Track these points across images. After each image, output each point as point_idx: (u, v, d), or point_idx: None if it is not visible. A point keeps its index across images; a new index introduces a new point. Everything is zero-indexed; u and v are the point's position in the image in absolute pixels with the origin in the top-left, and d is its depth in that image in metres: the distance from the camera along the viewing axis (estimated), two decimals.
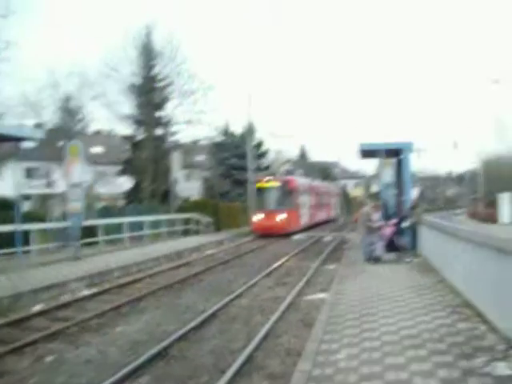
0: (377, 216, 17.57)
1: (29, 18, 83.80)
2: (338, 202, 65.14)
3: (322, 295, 12.89)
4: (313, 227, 42.12)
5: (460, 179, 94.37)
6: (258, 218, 35.37)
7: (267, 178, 37.32)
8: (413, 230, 18.06)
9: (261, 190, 36.50)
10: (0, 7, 30.31)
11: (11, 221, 17.78)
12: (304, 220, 39.79)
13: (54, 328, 10.51)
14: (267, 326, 10.05)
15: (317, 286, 14.74)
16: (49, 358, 8.74)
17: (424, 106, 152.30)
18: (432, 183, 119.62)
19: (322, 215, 50.04)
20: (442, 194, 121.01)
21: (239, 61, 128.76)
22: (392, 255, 16.84)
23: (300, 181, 42.32)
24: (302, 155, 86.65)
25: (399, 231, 17.05)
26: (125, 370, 7.65)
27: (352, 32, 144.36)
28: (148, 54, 41.23)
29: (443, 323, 8.50)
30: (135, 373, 7.73)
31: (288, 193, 35.87)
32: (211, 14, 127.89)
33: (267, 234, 33.15)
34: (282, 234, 33.46)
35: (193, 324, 10.38)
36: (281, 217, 34.59)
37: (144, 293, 14.16)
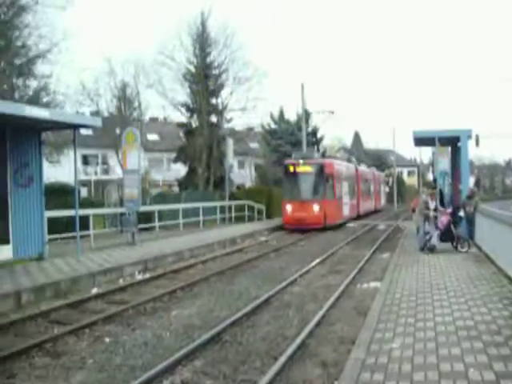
0: (434, 204, 17.27)
1: (86, 7, 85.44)
2: (384, 190, 61.36)
3: (375, 284, 12.79)
4: (357, 219, 37.66)
5: None
6: (289, 209, 30.23)
7: (300, 160, 31.20)
8: (469, 219, 17.69)
9: (293, 175, 31.02)
10: None
11: (70, 206, 18.23)
12: (346, 211, 34.96)
13: (111, 311, 10.77)
14: (320, 314, 10.05)
15: (370, 275, 14.63)
16: (106, 340, 8.97)
17: (483, 92, 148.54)
18: (490, 172, 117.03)
19: (367, 205, 45.50)
20: (501, 182, 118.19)
21: (294, 47, 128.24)
22: (448, 245, 16.54)
23: (340, 165, 36.37)
24: (357, 142, 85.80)
25: (455, 220, 16.69)
26: (179, 353, 7.80)
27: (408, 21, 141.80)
28: (203, 42, 41.41)
29: (500, 315, 8.32)
30: (189, 356, 7.86)
31: (326, 179, 30.85)
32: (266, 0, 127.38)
33: (301, 228, 28.58)
34: (319, 228, 29.00)
35: (246, 310, 10.47)
36: (317, 208, 29.70)
37: (197, 278, 14.33)
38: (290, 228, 29.31)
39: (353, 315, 10.20)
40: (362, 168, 47.04)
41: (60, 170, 32.56)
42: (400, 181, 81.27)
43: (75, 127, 15.93)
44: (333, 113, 44.63)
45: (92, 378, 7.21)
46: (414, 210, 22.72)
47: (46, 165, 19.39)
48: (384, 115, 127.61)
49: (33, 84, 29.96)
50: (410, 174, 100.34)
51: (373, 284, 13.00)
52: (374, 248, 20.37)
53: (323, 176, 30.65)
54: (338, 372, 6.76)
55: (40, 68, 29.50)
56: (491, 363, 6.16)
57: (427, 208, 16.95)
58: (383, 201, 58.46)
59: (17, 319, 10.15)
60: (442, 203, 18.52)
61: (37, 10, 27.92)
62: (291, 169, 30.91)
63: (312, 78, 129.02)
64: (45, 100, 28.98)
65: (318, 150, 48.70)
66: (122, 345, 8.65)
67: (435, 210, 17.18)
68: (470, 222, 17.74)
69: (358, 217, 39.16)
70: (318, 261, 17.32)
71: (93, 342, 8.92)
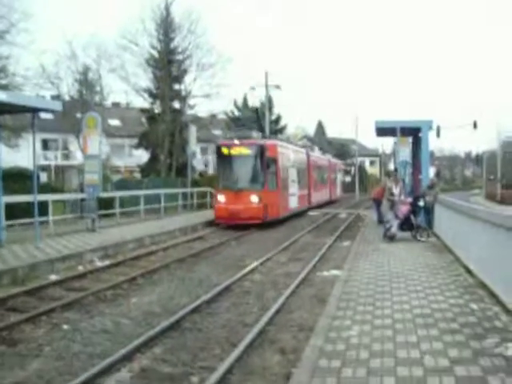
0: (397, 190, 17.49)
1: None
2: (342, 179, 57.99)
3: (335, 272, 12.90)
4: (307, 211, 34.15)
5: (479, 160, 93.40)
6: (222, 200, 25.00)
7: (236, 140, 25.78)
8: (429, 209, 17.95)
9: (227, 159, 25.72)
10: None
11: (29, 191, 17.90)
12: (293, 203, 30.37)
13: (70, 298, 10.64)
14: (280, 301, 10.10)
15: (330, 263, 14.75)
16: (64, 327, 8.86)
17: (445, 83, 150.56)
18: (450, 163, 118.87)
19: (320, 196, 41.12)
20: (460, 174, 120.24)
21: (257, 33, 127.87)
22: (407, 234, 16.77)
23: (286, 148, 30.73)
24: (320, 131, 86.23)
25: (415, 210, 16.93)
26: (138, 341, 7.76)
27: (373, 12, 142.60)
28: (167, 27, 41.01)
29: (456, 303, 8.49)
30: (148, 343, 7.83)
31: (267, 164, 25.38)
32: None
33: (236, 223, 23.96)
34: (259, 223, 24.24)
35: (206, 297, 10.46)
36: (255, 199, 24.46)
37: (158, 265, 14.26)
38: (223, 223, 24.64)
39: (313, 303, 10.26)
40: (315, 154, 42.57)
41: (19, 154, 31.95)
42: (362, 170, 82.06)
43: (34, 111, 15.64)
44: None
45: (49, 366, 7.11)
46: (374, 200, 23.06)
47: (4, 149, 18.99)
48: (347, 105, 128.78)
49: None
50: (372, 163, 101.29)
51: (333, 272, 13.10)
52: (336, 236, 20.55)
53: (264, 160, 25.18)
54: (297, 359, 6.81)
55: None
56: (446, 350, 6.28)
57: (391, 194, 17.18)
58: (339, 190, 54.65)
59: None
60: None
61: None
62: (225, 151, 25.56)
63: (276, 65, 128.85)
64: (3, 82, 28.41)
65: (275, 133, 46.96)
66: (81, 332, 8.57)
67: (400, 195, 17.41)
68: (430, 211, 18.00)
69: (309, 209, 35.20)
70: (280, 248, 17.39)
71: (50, 329, 8.81)
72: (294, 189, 30.66)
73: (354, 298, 9.10)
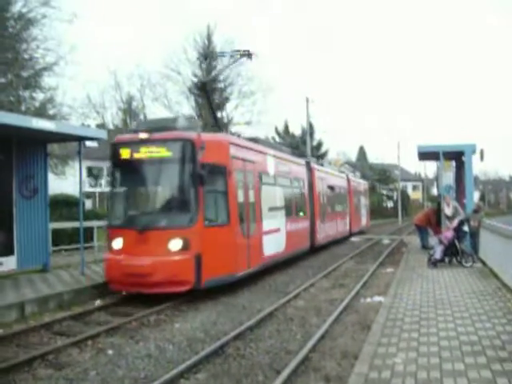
0: (451, 210, 17.42)
1: (92, 21, 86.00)
2: (366, 204, 43.56)
3: (379, 298, 12.75)
4: (308, 253, 23.29)
5: None
6: (116, 247, 13.68)
7: (142, 133, 13.91)
8: (474, 234, 17.65)
9: (126, 169, 14.38)
10: (65, 13, 31.38)
11: (74, 218, 18.25)
12: (275, 245, 18.01)
13: (114, 323, 10.76)
14: (324, 328, 10.02)
15: (374, 289, 14.59)
16: (109, 352, 8.96)
17: (487, 107, 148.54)
18: (494, 186, 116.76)
19: (333, 228, 29.20)
20: (505, 197, 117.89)
21: (298, 62, 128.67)
22: (452, 259, 16.51)
23: (251, 152, 16.89)
24: (361, 157, 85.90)
25: (460, 235, 16.67)
26: (182, 366, 7.79)
27: (412, 33, 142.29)
28: (208, 56, 41.67)
29: (504, 330, 8.31)
30: (192, 369, 7.86)
31: (207, 176, 13.49)
32: (272, 15, 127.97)
33: (142, 291, 13.06)
34: (186, 291, 12.96)
35: (249, 323, 10.44)
36: (178, 244, 13.01)
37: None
38: (122, 290, 13.68)
39: (356, 329, 10.14)
40: (323, 168, 29.47)
41: (65, 182, 32.64)
42: (404, 195, 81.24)
43: (81, 139, 15.98)
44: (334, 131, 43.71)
45: None
46: (417, 225, 22.79)
47: (50, 176, 19.41)
48: (389, 129, 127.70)
49: (39, 96, 30.15)
50: (414, 188, 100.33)
51: (377, 298, 12.94)
52: (379, 262, 20.32)
53: (196, 169, 13.30)
54: None
55: (46, 80, 29.71)
56: (495, 379, 6.15)
57: (447, 217, 17.11)
58: (366, 218, 42.53)
59: (20, 330, 10.16)
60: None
61: (44, 24, 28.18)
62: (124, 154, 14.00)
63: (317, 91, 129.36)
64: (51, 112, 29.11)
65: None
66: (125, 357, 8.64)
67: (453, 216, 17.30)
68: (475, 236, 17.70)
69: (312, 249, 24.02)
70: (322, 275, 17.25)
71: (96, 353, 8.92)
72: (274, 221, 18.20)
73: (399, 325, 8.98)
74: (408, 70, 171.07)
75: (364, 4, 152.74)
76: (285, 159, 21.26)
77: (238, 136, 18.64)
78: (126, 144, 14.19)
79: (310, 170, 25.25)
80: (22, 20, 27.79)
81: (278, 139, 51.89)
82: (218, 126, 20.02)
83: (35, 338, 9.89)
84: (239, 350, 8.89)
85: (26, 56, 28.41)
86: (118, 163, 14.37)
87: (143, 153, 13.72)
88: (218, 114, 42.49)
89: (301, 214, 22.74)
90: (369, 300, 12.94)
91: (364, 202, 42.43)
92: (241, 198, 15.36)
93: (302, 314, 11.62)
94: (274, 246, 17.88)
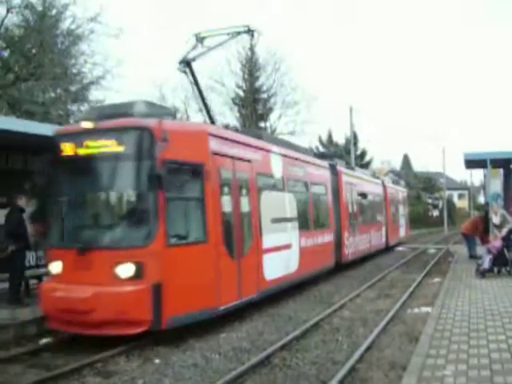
0: (498, 219, 17.11)
1: (137, 35, 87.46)
2: (406, 214, 39.65)
3: (426, 309, 12.57)
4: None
5: None
6: (55, 271, 10.45)
7: (86, 122, 10.40)
8: None
9: (67, 170, 10.91)
10: (112, 28, 32.26)
11: None
12: (276, 268, 14.01)
13: (161, 332, 10.83)
14: (370, 338, 9.93)
15: (421, 300, 14.39)
16: (156, 361, 9.04)
17: None
18: None
19: (364, 242, 25.23)
20: None
21: (342, 70, 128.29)
22: (501, 269, 16.18)
23: (245, 144, 13.32)
24: (406, 165, 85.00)
25: (509, 244, 16.31)
26: (229, 376, 7.82)
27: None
28: (252, 67, 41.98)
29: None
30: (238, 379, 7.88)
31: (181, 182, 10.46)
32: (315, 24, 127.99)
33: (84, 332, 9.88)
34: (141, 332, 9.70)
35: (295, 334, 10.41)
36: (128, 270, 9.63)
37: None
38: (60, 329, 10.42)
39: (403, 340, 10.00)
40: (352, 172, 25.86)
41: None
42: (450, 204, 79.99)
43: None
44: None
45: None
46: (464, 234, 22.42)
47: None
48: (434, 137, 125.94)
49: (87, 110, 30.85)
50: (460, 196, 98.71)
51: (424, 309, 12.76)
52: (425, 272, 20.04)
53: (154, 167, 9.88)
54: None
55: (94, 94, 30.51)
56: None
57: (495, 226, 16.78)
58: (404, 230, 37.78)
59: (68, 339, 10.33)
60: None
61: (92, 39, 28.97)
62: (66, 150, 10.53)
63: (361, 100, 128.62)
64: None
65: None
66: (172, 366, 8.70)
67: (501, 224, 16.98)
68: None
69: (339, 267, 20.60)
70: (368, 285, 17.08)
71: (143, 362, 9.01)
72: (281, 235, 14.77)
73: (447, 336, 8.84)
74: (454, 75, 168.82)
75: (406, 13, 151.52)
76: (299, 160, 17.16)
77: (227, 127, 15.19)
78: (65, 137, 10.66)
79: (335, 173, 21.31)
80: (70, 36, 28.64)
81: (321, 149, 51.79)
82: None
83: (83, 347, 10.05)
84: (285, 361, 8.86)
85: (74, 71, 29.26)
86: (56, 162, 10.84)
87: (87, 147, 10.25)
88: (262, 125, 42.76)
89: (322, 225, 18.99)
90: (416, 310, 12.77)
91: (403, 211, 37.92)
92: (227, 207, 11.70)
93: (348, 325, 11.54)
94: (280, 266, 14.40)
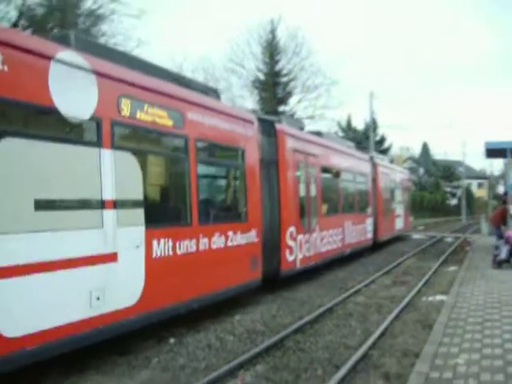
0: None
1: (158, 15, 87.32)
2: (407, 201, 33.48)
3: (441, 297, 12.54)
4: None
5: None
6: None
7: None
8: None
9: None
10: (133, 8, 32.19)
11: None
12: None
13: None
14: (384, 325, 9.94)
15: (436, 288, 14.36)
16: (171, 341, 9.15)
17: None
18: None
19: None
20: None
21: (363, 55, 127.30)
22: None
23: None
24: (425, 153, 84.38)
25: None
26: (242, 357, 7.90)
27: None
28: (272, 50, 41.81)
29: None
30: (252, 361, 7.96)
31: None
32: (337, 8, 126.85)
33: None
34: None
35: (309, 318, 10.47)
36: None
37: None
38: None
39: (417, 328, 10.00)
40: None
41: None
42: (469, 193, 79.39)
43: None
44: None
45: (156, 377, 7.38)
46: (492, 225, 22.21)
47: None
48: (454, 125, 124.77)
49: None
50: (479, 186, 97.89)
51: (439, 297, 12.74)
52: (441, 260, 19.97)
53: None
54: None
55: None
56: None
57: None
58: (401, 222, 30.32)
59: None
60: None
61: (113, 20, 28.89)
62: None
63: (382, 86, 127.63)
64: None
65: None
66: (186, 346, 8.81)
67: None
68: None
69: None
70: (383, 271, 17.07)
71: (158, 342, 9.11)
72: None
73: (462, 325, 8.83)
74: (477, 62, 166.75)
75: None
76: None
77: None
78: None
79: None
80: (91, 16, 28.58)
81: (340, 134, 51.54)
82: None
83: None
84: (299, 344, 8.92)
85: None
86: None
87: None
88: (281, 109, 42.64)
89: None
90: (431, 299, 12.75)
91: (401, 197, 31.74)
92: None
93: (362, 311, 11.56)
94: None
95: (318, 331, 9.82)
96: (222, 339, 9.24)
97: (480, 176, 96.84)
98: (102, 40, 29.08)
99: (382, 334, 9.43)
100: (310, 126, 48.38)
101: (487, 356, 7.10)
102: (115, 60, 8.53)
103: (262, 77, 42.09)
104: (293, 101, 43.21)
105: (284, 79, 42.47)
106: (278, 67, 42.16)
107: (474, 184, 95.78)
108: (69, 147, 7.37)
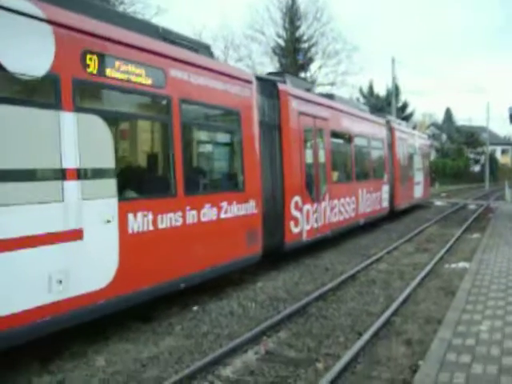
0: None
1: None
2: (428, 168, 32.55)
3: (464, 264, 12.49)
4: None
5: None
6: None
7: None
8: None
9: None
10: None
11: None
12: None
13: None
14: (407, 292, 9.94)
15: (459, 255, 14.29)
16: (194, 308, 9.24)
17: None
18: None
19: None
20: None
21: (385, 20, 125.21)
22: None
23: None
24: (448, 119, 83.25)
25: None
26: (265, 324, 7.97)
27: None
28: (292, 15, 41.31)
29: None
30: (274, 327, 8.03)
31: None
32: None
33: None
34: None
35: (331, 285, 10.50)
36: None
37: None
38: None
39: (440, 295, 9.98)
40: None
41: None
42: (493, 160, 78.40)
43: None
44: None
45: (179, 344, 7.45)
46: None
47: None
48: (478, 90, 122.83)
49: None
50: (503, 152, 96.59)
51: (461, 264, 12.69)
52: (464, 227, 19.84)
53: None
54: (424, 351, 6.68)
55: None
56: None
57: None
58: (420, 190, 28.60)
59: None
60: None
61: None
62: None
63: (404, 52, 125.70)
64: None
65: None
66: (209, 313, 8.89)
67: None
68: None
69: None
70: (405, 239, 17.01)
71: (181, 309, 9.20)
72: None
73: (484, 292, 8.81)
74: (500, 26, 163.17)
75: None
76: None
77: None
78: None
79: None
80: None
81: (362, 100, 51.11)
82: None
83: None
84: (321, 311, 8.96)
85: None
86: None
87: None
88: (302, 75, 42.26)
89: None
90: (453, 266, 12.70)
91: (420, 163, 29.77)
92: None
93: (384, 278, 11.56)
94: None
95: (340, 298, 9.85)
96: (244, 306, 9.31)
97: (504, 142, 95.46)
98: (120, 8, 28.94)
99: (405, 301, 9.43)
100: (330, 92, 48.25)
101: (510, 323, 7.09)
102: (84, 12, 7.33)
103: (282, 43, 41.70)
104: (313, 67, 42.91)
105: (304, 45, 42.04)
106: (298, 33, 41.72)
107: (498, 150, 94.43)
108: (19, 109, 6.18)
